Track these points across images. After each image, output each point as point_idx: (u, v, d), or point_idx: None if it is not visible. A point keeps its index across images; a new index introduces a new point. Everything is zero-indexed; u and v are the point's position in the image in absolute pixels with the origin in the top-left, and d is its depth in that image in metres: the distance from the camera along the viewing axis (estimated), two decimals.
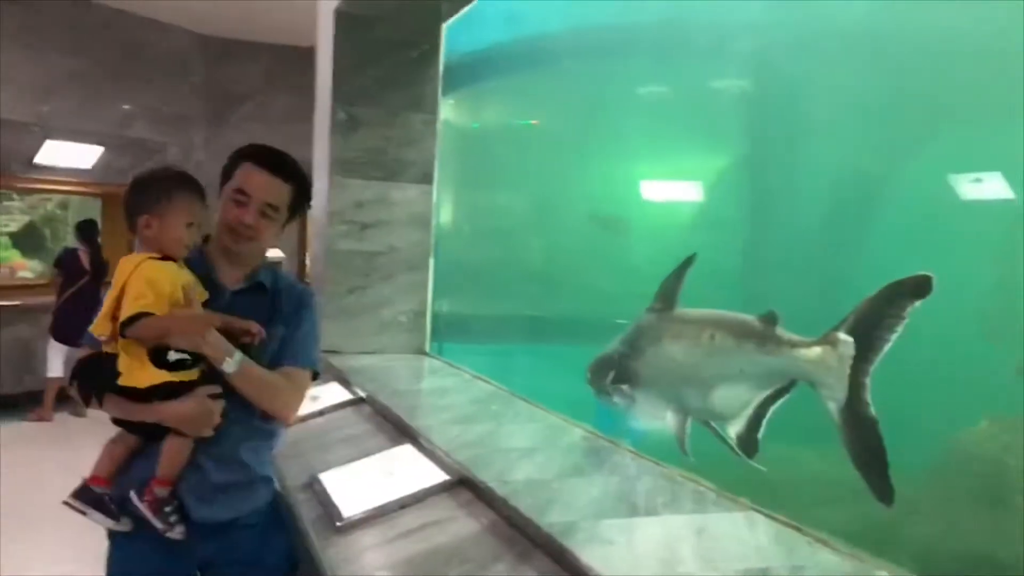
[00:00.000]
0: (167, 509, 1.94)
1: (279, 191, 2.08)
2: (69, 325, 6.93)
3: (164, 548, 2.00)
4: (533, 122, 4.88)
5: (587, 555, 1.67)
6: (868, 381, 1.78)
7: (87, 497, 1.96)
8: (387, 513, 2.17)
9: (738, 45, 3.57)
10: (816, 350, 1.89)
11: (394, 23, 4.22)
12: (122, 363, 1.89)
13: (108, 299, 1.88)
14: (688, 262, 2.45)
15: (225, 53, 9.42)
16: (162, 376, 1.87)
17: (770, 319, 2.03)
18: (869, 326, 1.79)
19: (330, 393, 3.50)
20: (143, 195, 1.93)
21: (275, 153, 2.14)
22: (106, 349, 1.93)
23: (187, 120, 9.14)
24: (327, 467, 2.54)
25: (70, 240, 8.18)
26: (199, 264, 2.07)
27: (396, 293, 4.40)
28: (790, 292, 3.31)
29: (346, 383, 3.59)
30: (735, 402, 2.11)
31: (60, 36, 7.98)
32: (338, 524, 2.12)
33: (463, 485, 2.27)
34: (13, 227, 8.02)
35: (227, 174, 2.11)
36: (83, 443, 2.06)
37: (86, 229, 7.30)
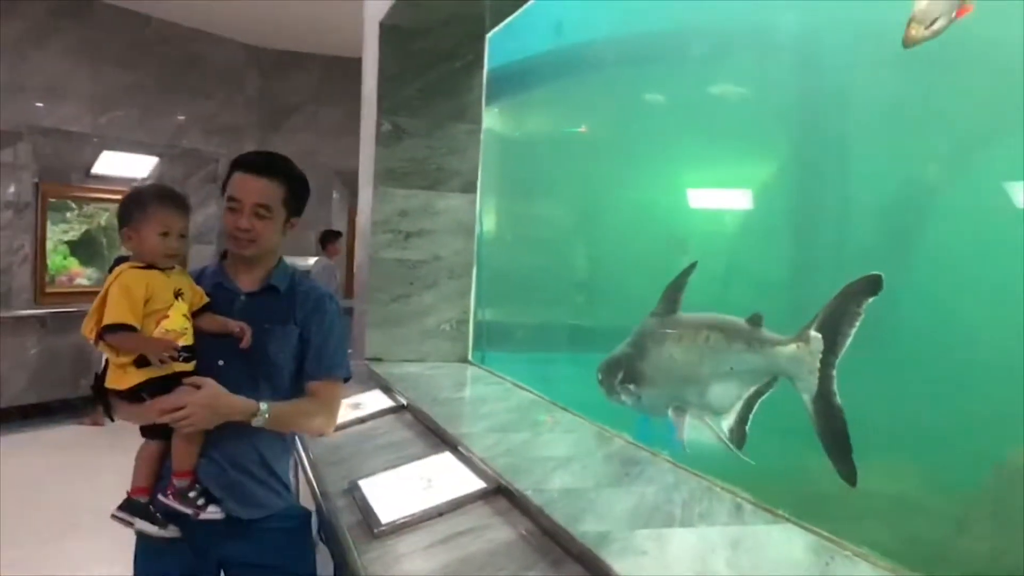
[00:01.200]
0: (191, 495, 2.01)
1: (269, 191, 2.12)
2: None
3: (189, 549, 2.07)
4: (580, 129, 4.86)
5: (620, 565, 1.65)
6: (835, 373, 1.99)
7: (132, 508, 2.04)
8: (424, 520, 2.17)
9: (788, 51, 3.52)
10: (792, 347, 2.11)
11: (438, 35, 4.26)
12: (109, 367, 1.98)
13: (94, 303, 1.95)
14: (690, 269, 2.63)
15: (277, 65, 9.59)
16: (143, 374, 1.93)
17: (755, 320, 2.24)
18: (834, 323, 2.01)
19: (372, 400, 3.54)
20: (124, 210, 2.02)
21: (261, 155, 2.21)
22: (99, 350, 1.99)
23: (239, 131, 9.32)
24: (367, 473, 2.56)
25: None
26: (216, 273, 2.20)
27: (439, 301, 4.43)
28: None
29: (388, 391, 3.62)
30: (726, 398, 2.30)
31: (118, 50, 8.22)
32: (376, 530, 2.14)
33: (500, 493, 2.27)
34: (71, 236, 8.23)
35: (224, 187, 2.17)
36: (134, 446, 2.12)
37: None
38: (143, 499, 2.04)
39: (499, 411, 3.23)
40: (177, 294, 2.01)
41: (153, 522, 2.03)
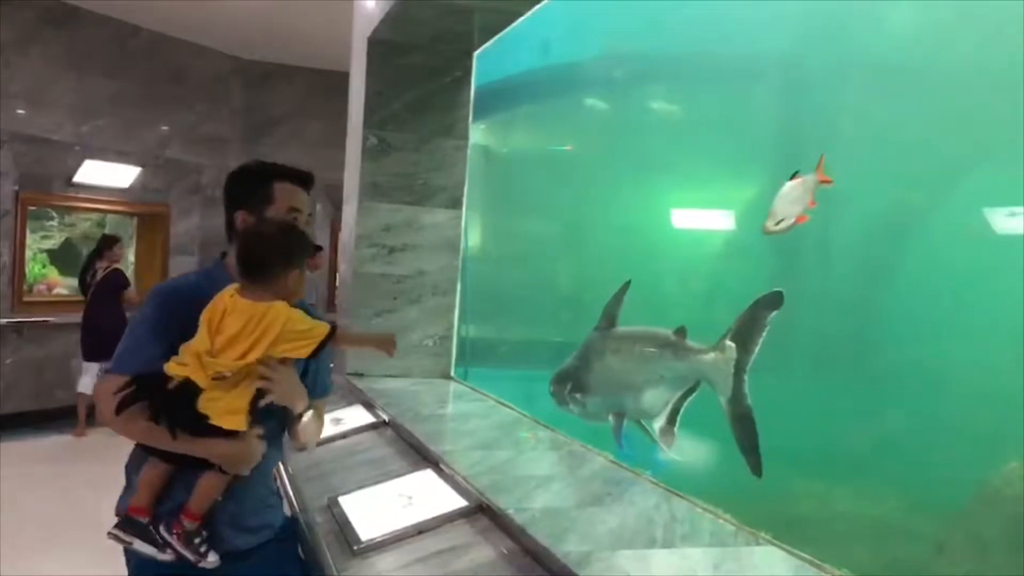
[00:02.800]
0: (196, 540, 1.93)
1: (309, 201, 2.17)
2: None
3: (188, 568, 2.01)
4: (566, 147, 4.88)
5: None
6: (746, 377, 2.25)
7: (131, 529, 1.94)
8: (405, 538, 2.16)
9: (771, 75, 3.56)
10: (711, 355, 2.38)
11: (426, 51, 4.27)
12: (211, 404, 1.84)
13: (240, 337, 1.83)
14: (625, 287, 2.96)
15: (262, 77, 9.58)
16: (243, 424, 1.87)
17: (681, 332, 2.52)
18: (745, 333, 2.29)
19: (353, 416, 3.51)
20: (292, 248, 1.96)
21: (302, 170, 2.22)
22: (194, 379, 1.83)
23: (223, 142, 9.29)
24: (347, 489, 2.54)
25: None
26: (226, 279, 2.01)
27: (423, 317, 4.41)
28: (821, 322, 3.27)
29: (370, 406, 3.60)
30: (658, 402, 2.59)
31: (103, 59, 8.18)
32: (355, 547, 2.12)
33: (481, 512, 2.26)
34: (51, 244, 8.18)
35: (254, 192, 2.08)
36: (109, 457, 2.07)
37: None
38: (143, 520, 1.94)
39: (482, 428, 3.22)
40: None
41: (153, 544, 1.94)
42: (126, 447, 2.05)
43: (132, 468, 2.05)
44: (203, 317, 1.86)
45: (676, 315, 2.90)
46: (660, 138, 4.07)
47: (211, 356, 1.81)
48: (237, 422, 1.85)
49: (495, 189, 4.88)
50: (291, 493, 2.68)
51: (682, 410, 2.56)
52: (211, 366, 1.80)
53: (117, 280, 7.42)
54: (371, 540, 2.14)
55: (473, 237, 4.71)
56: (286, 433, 2.16)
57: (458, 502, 2.32)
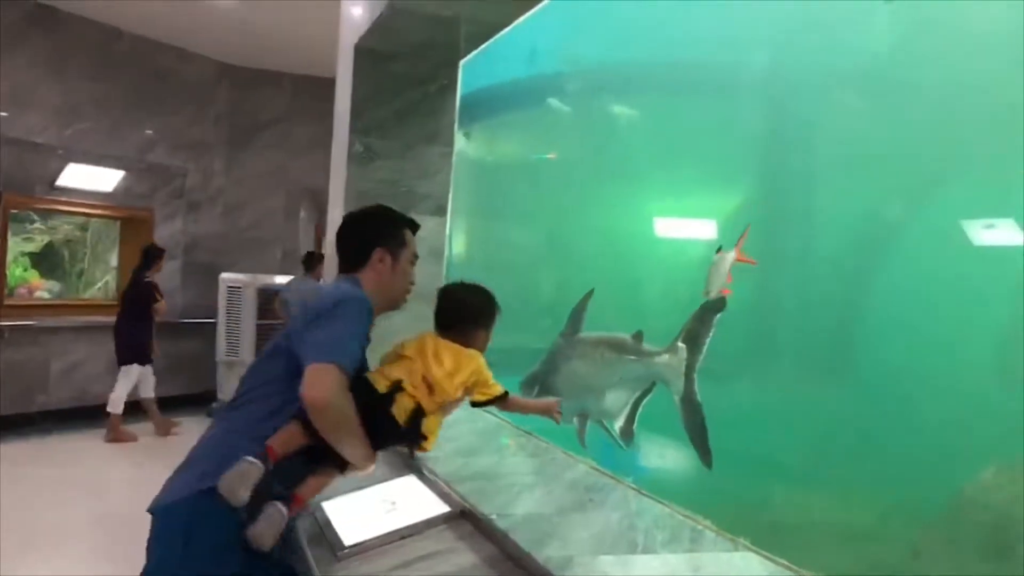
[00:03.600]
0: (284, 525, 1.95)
1: None
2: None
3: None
4: (549, 156, 4.91)
5: None
6: (696, 376, 2.44)
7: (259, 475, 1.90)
8: (388, 543, 2.18)
9: (751, 86, 3.60)
10: (665, 356, 2.57)
11: (412, 59, 4.29)
12: (431, 425, 2.09)
13: (446, 370, 2.12)
14: (588, 296, 3.16)
15: (248, 82, 9.56)
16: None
17: (638, 337, 2.71)
18: (694, 336, 2.49)
19: None
20: (484, 314, 2.36)
21: (417, 222, 2.49)
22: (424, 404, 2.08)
23: (208, 146, 9.27)
24: (330, 495, 2.55)
25: (87, 262, 8.34)
26: None
27: (408, 324, 4.41)
28: (803, 330, 3.31)
29: None
30: (618, 402, 2.77)
31: (88, 62, 8.14)
32: (339, 552, 2.14)
33: (464, 517, 2.28)
34: (32, 247, 8.13)
35: (391, 236, 2.36)
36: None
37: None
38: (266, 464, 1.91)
39: (464, 434, 3.23)
40: None
41: (263, 497, 1.91)
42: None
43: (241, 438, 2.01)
44: (412, 349, 2.20)
45: (656, 321, 2.94)
46: (641, 147, 4.11)
47: (431, 384, 2.09)
48: (434, 443, 2.10)
49: (479, 197, 4.90)
50: None
51: (640, 409, 2.75)
52: (441, 394, 2.09)
53: (153, 291, 7.57)
54: (355, 545, 2.16)
55: (458, 245, 4.73)
56: None
57: (441, 507, 2.35)
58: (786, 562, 1.92)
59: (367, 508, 2.43)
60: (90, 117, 8.18)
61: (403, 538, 2.20)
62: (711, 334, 2.46)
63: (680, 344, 2.53)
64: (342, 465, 2.01)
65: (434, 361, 2.11)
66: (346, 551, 2.14)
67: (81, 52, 8.09)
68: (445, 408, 2.14)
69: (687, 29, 3.66)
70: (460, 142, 4.55)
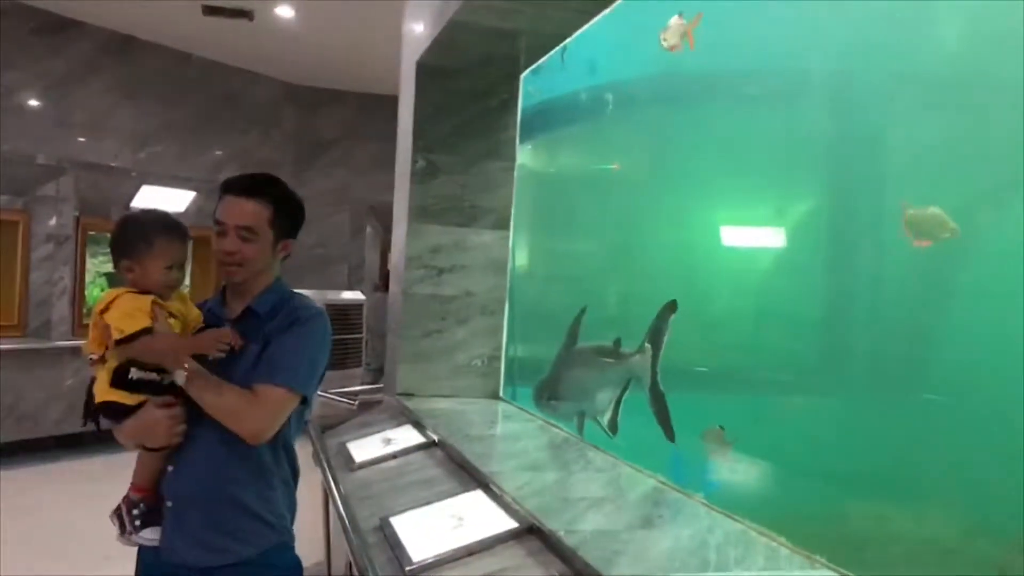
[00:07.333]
0: (135, 512, 2.07)
1: (252, 212, 2.12)
2: None
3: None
4: (613, 167, 4.87)
5: None
6: (659, 368, 2.83)
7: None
8: (456, 559, 2.16)
9: (819, 92, 3.52)
10: (636, 357, 2.95)
11: (474, 74, 4.32)
12: (97, 387, 2.04)
13: (93, 325, 2.02)
14: (582, 312, 3.65)
15: (313, 101, 9.76)
16: (116, 395, 2.00)
17: (617, 343, 3.10)
18: (655, 336, 2.86)
19: (403, 436, 3.54)
20: (124, 242, 2.04)
21: (245, 177, 2.21)
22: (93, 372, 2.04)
23: (275, 165, 9.46)
24: (398, 510, 2.56)
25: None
26: (215, 303, 2.25)
27: (471, 337, 4.44)
28: (873, 341, 3.21)
29: (420, 426, 3.62)
30: (605, 400, 3.15)
31: (159, 87, 8.41)
32: (407, 568, 2.13)
33: (532, 533, 2.25)
34: (109, 268, 8.40)
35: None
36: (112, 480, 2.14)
37: None
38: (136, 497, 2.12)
39: (530, 449, 3.22)
40: (171, 315, 2.05)
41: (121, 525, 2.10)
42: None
43: None
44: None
45: (724, 334, 2.89)
46: (708, 156, 4.04)
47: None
48: (113, 394, 2.00)
49: (542, 210, 4.89)
50: (343, 514, 2.70)
51: (622, 403, 3.08)
52: (85, 350, 2.06)
53: None
54: (423, 561, 2.15)
55: (520, 258, 4.72)
56: (281, 449, 2.19)
57: (508, 523, 2.32)
58: None
59: (434, 524, 2.42)
60: (162, 140, 8.44)
61: (471, 554, 2.18)
62: (668, 333, 2.82)
63: (646, 344, 2.89)
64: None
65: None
66: (414, 567, 2.13)
67: (152, 77, 8.36)
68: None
69: (752, 34, 3.60)
70: (523, 155, 4.55)
